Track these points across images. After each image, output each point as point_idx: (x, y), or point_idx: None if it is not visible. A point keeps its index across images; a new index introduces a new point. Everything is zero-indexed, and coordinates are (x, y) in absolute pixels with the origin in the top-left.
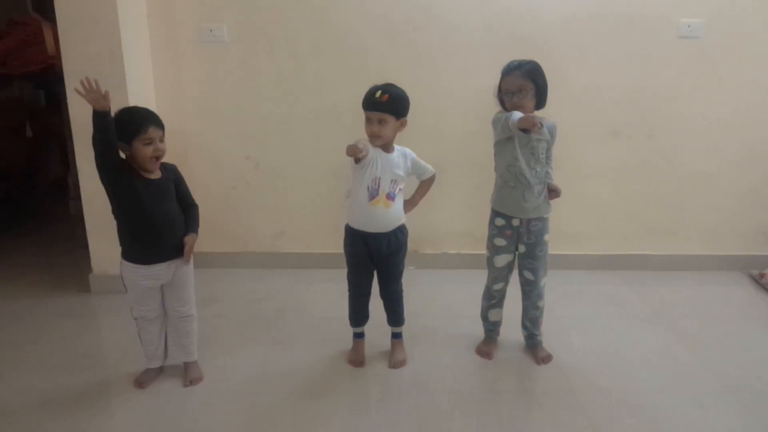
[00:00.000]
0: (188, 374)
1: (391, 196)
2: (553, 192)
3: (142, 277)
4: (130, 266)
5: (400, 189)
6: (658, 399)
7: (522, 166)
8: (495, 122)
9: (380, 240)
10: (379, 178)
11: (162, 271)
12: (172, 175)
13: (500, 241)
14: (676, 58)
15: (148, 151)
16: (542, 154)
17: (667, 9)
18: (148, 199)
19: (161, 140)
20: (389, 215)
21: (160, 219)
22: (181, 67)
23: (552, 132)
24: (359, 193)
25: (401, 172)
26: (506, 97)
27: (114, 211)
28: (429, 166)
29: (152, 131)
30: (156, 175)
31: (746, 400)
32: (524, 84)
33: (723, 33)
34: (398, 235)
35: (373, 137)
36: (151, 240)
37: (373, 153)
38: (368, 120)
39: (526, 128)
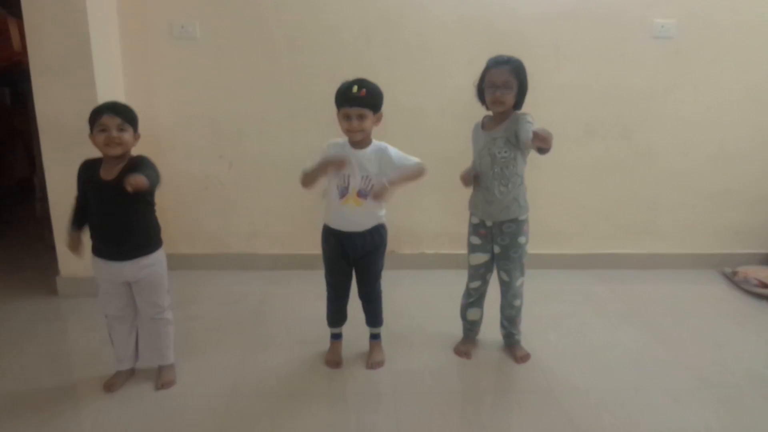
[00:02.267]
0: (161, 377)
1: (362, 194)
2: (539, 138)
3: (104, 271)
4: (94, 259)
5: (372, 186)
6: (634, 395)
7: (480, 169)
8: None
9: (354, 239)
10: (348, 176)
11: (123, 268)
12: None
13: (475, 240)
14: (650, 58)
15: (101, 137)
16: (501, 152)
17: (641, 9)
18: (104, 202)
19: (119, 129)
20: (360, 214)
21: (115, 223)
22: (152, 65)
23: (517, 120)
24: (331, 191)
25: (374, 169)
26: (489, 90)
27: None
28: (413, 159)
29: (106, 118)
30: (112, 175)
31: (721, 395)
32: (510, 80)
33: (696, 33)
34: (374, 235)
35: (353, 132)
36: (109, 241)
37: (340, 150)
38: (346, 116)
39: (543, 147)
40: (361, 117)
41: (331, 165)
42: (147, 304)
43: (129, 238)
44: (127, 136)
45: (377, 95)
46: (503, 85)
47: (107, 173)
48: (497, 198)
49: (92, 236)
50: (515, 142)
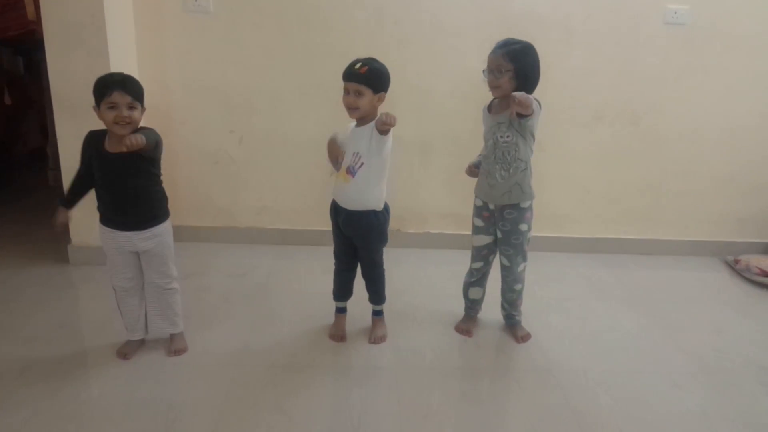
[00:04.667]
0: (173, 344)
1: (350, 171)
2: (515, 102)
3: (112, 241)
4: (101, 228)
5: (362, 164)
6: (632, 378)
7: (484, 152)
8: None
9: (343, 215)
10: (343, 152)
11: (132, 238)
12: (144, 153)
13: (478, 222)
14: (661, 45)
15: (110, 115)
16: (503, 137)
17: None
18: (108, 174)
19: (130, 107)
20: (348, 191)
21: (120, 194)
22: (165, 37)
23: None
24: None
25: (363, 146)
26: (487, 74)
27: None
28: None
29: (117, 96)
30: (118, 148)
31: (719, 380)
32: (503, 64)
33: (709, 20)
34: (362, 220)
35: (350, 108)
36: (114, 211)
37: (351, 128)
38: (345, 91)
39: (523, 112)
40: (357, 93)
41: (332, 154)
42: (156, 275)
43: (135, 209)
44: (137, 114)
45: (379, 75)
46: (495, 69)
47: (113, 146)
48: (498, 182)
49: (100, 206)
50: (518, 127)
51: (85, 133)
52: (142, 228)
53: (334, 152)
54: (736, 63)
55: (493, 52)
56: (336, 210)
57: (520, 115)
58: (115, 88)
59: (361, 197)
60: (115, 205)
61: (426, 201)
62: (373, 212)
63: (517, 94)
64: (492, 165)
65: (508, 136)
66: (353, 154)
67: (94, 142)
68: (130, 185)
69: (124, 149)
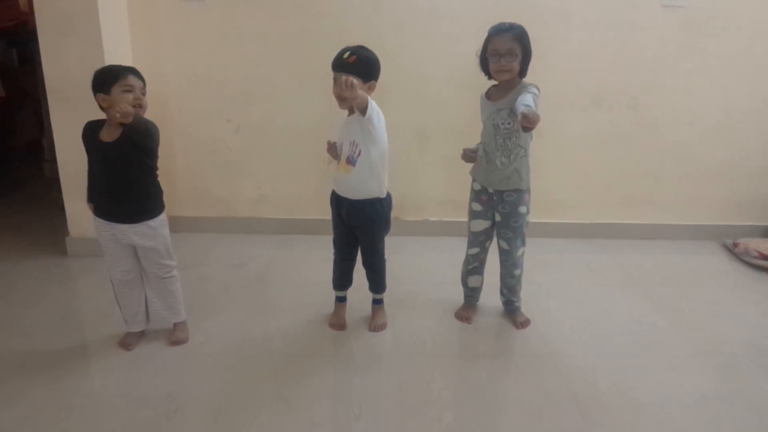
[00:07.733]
0: (175, 334)
1: (350, 161)
2: (527, 119)
3: (106, 232)
4: (96, 220)
5: (360, 152)
6: (632, 362)
7: (484, 138)
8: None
9: (347, 206)
10: (342, 143)
11: (127, 230)
12: (134, 135)
13: (476, 206)
14: (659, 28)
15: (128, 98)
16: (504, 124)
17: None
18: (103, 164)
19: (142, 92)
20: (350, 181)
21: (115, 186)
22: (159, 26)
23: (523, 90)
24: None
25: (357, 134)
26: (493, 58)
27: None
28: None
29: (132, 79)
30: (113, 136)
31: (718, 364)
32: (514, 47)
33: (706, 3)
34: (367, 208)
35: (338, 99)
36: (109, 203)
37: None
38: (334, 80)
39: (528, 126)
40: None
41: (331, 153)
42: (154, 266)
43: (129, 202)
44: (146, 101)
45: (369, 64)
46: (507, 52)
47: (109, 135)
48: (498, 168)
49: (94, 197)
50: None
51: (80, 123)
52: (137, 221)
53: (333, 153)
54: (735, 46)
55: (500, 35)
56: (338, 201)
57: (526, 128)
58: (129, 73)
59: (363, 186)
60: (110, 196)
61: (424, 188)
62: (378, 200)
63: (529, 113)
64: (493, 151)
65: (509, 123)
66: (350, 143)
67: (90, 132)
68: (124, 176)
69: (118, 116)
